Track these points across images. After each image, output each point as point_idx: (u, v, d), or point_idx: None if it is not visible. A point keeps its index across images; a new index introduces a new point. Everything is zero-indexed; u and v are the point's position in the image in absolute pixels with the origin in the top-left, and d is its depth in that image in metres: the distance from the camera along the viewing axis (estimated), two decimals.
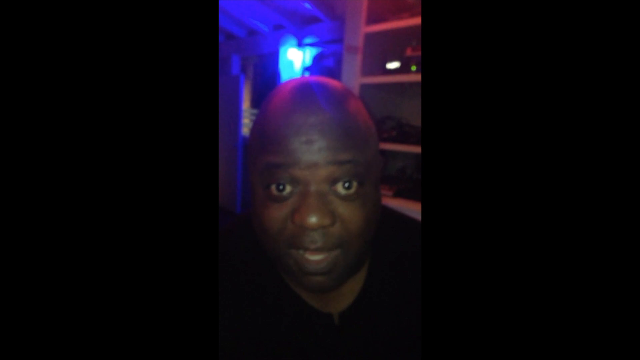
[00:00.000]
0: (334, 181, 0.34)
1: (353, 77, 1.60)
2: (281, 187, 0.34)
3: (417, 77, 1.44)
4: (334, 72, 2.78)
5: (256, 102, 4.22)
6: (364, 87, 1.59)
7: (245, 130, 3.88)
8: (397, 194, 1.50)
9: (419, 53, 1.46)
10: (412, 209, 1.39)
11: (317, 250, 0.35)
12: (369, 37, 1.55)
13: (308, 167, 0.33)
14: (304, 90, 0.36)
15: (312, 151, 0.33)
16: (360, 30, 1.55)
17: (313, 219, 0.33)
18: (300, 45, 3.03)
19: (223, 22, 3.35)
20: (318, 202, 0.33)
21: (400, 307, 0.45)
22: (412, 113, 1.70)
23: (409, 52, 1.49)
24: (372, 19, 1.54)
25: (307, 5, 2.61)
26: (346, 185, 0.34)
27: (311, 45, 2.97)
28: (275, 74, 3.27)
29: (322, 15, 2.72)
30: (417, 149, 1.45)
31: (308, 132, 0.33)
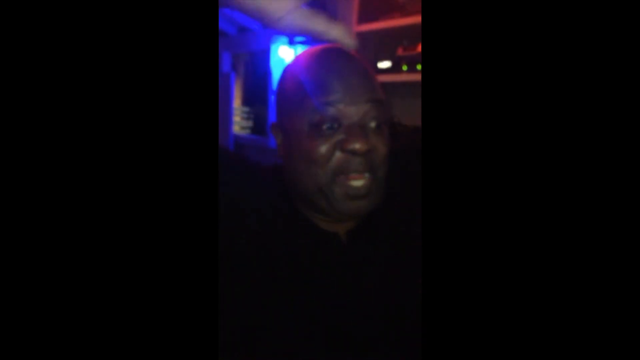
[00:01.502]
0: (369, 118, 0.44)
1: None
2: (329, 124, 0.43)
3: (409, 77, 1.45)
4: None
5: (247, 100, 4.19)
6: None
7: (236, 128, 3.86)
8: None
9: (411, 52, 1.46)
10: None
11: (359, 174, 0.43)
12: (361, 36, 1.55)
13: (354, 104, 0.43)
14: (334, 49, 0.45)
15: (356, 92, 0.43)
16: (351, 28, 1.55)
17: (360, 145, 0.41)
18: (291, 43, 3.02)
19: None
20: (362, 132, 0.43)
21: (400, 231, 0.52)
22: (403, 112, 1.71)
23: (400, 52, 1.50)
24: (364, 19, 1.54)
25: None
26: (375, 122, 0.44)
27: (302, 43, 2.96)
28: (266, 72, 3.25)
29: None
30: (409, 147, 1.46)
31: (350, 77, 0.43)
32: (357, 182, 0.44)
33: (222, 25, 3.44)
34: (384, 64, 1.54)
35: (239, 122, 3.97)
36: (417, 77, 1.43)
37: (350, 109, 0.43)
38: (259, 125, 3.92)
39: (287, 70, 0.49)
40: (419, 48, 1.45)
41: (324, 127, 0.43)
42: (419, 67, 1.42)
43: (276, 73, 3.15)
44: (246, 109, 4.14)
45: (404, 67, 1.47)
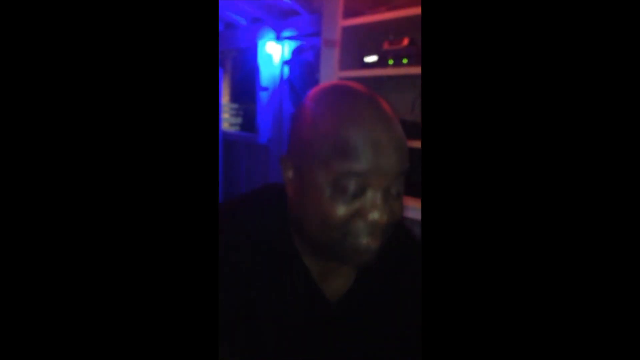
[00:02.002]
0: (393, 186, 0.42)
1: (331, 71, 1.60)
2: (356, 190, 0.40)
3: (395, 71, 1.46)
4: (313, 66, 2.77)
5: (235, 97, 4.16)
6: (342, 79, 1.59)
7: (225, 125, 3.84)
8: None
9: (396, 47, 1.47)
10: None
11: (373, 238, 0.42)
12: (347, 30, 1.56)
13: (384, 175, 0.40)
14: (374, 102, 0.42)
15: (390, 164, 0.40)
16: (337, 23, 1.55)
17: (382, 216, 0.41)
18: (278, 38, 3.00)
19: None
20: (385, 201, 0.41)
21: (390, 301, 0.52)
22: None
23: (386, 46, 1.50)
24: (349, 13, 1.54)
25: None
26: (397, 190, 0.43)
27: (289, 38, 2.95)
28: (254, 67, 3.23)
29: (300, 8, 2.70)
30: None
31: (387, 147, 0.40)
32: (375, 245, 0.43)
33: None
34: (370, 58, 1.54)
35: (227, 118, 3.95)
36: (403, 71, 1.43)
37: (380, 180, 0.40)
38: (247, 122, 3.90)
39: (312, 107, 0.44)
40: (405, 42, 1.45)
41: (349, 193, 0.40)
42: (405, 61, 1.43)
43: (264, 69, 3.14)
44: (235, 105, 4.11)
45: (390, 62, 1.47)
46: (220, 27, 3.50)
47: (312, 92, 0.46)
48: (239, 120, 4.06)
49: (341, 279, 0.52)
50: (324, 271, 0.50)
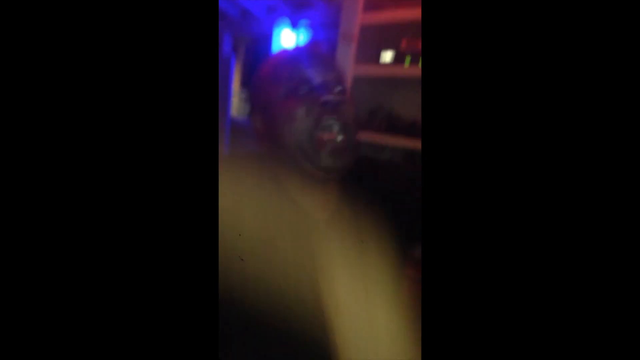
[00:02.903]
0: (334, 83, 0.53)
1: (346, 65, 1.59)
2: (304, 86, 0.51)
3: (411, 71, 1.44)
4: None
5: (247, 84, 4.14)
6: (357, 77, 1.58)
7: (235, 112, 3.82)
8: None
9: (414, 46, 1.45)
10: None
11: (333, 133, 0.51)
12: (365, 26, 1.54)
13: (321, 73, 0.53)
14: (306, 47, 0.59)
15: (325, 66, 0.54)
16: (356, 17, 1.54)
17: (332, 96, 0.50)
18: (294, 26, 2.98)
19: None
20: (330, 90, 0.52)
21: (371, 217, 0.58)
22: (403, 105, 1.71)
23: (403, 45, 1.48)
24: (369, 7, 1.52)
25: None
26: (340, 86, 0.54)
27: (305, 27, 2.92)
28: (267, 55, 3.21)
29: None
30: (405, 142, 1.46)
31: (318, 58, 0.55)
32: (338, 142, 0.51)
33: (224, 6, 3.38)
34: (387, 56, 1.53)
35: (237, 105, 3.94)
36: (418, 72, 1.42)
37: (317, 75, 0.52)
38: None
39: (261, 67, 0.59)
40: None
41: (299, 89, 0.51)
42: (421, 62, 1.42)
43: None
44: (245, 92, 4.09)
45: (407, 61, 1.46)
46: (236, 14, 3.47)
47: (264, 63, 0.60)
48: (248, 107, 4.04)
49: (329, 198, 0.58)
50: (312, 197, 0.56)
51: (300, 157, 0.52)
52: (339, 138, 0.51)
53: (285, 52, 0.58)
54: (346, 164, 0.52)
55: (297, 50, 0.57)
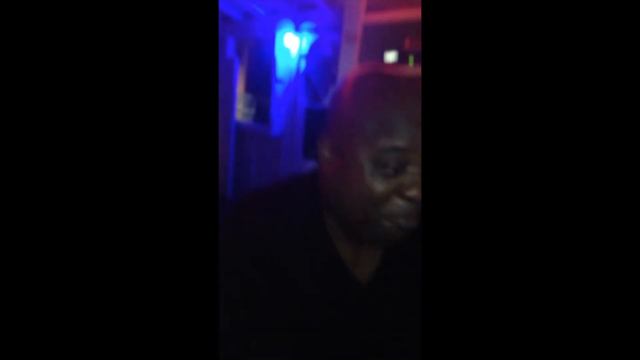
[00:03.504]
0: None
1: (350, 65, 1.58)
2: (397, 165, 0.42)
3: (414, 70, 1.44)
4: (331, 61, 2.75)
5: (250, 87, 4.16)
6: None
7: (239, 116, 3.84)
8: None
9: (417, 46, 1.45)
10: None
11: (412, 218, 0.45)
12: (368, 27, 1.54)
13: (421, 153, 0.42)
14: (413, 84, 0.44)
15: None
16: (358, 18, 1.53)
17: (419, 193, 0.42)
18: (297, 30, 2.98)
19: (219, 3, 3.28)
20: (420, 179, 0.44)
21: (412, 285, 0.54)
22: None
23: (407, 44, 1.48)
24: (371, 8, 1.52)
25: None
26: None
27: (308, 30, 2.93)
28: (271, 59, 3.22)
29: (320, 1, 2.68)
30: None
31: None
32: (407, 224, 0.45)
33: (227, 9, 3.40)
34: (390, 55, 1.52)
35: (241, 109, 3.96)
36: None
37: (417, 157, 0.42)
38: (261, 113, 3.90)
39: (354, 88, 0.46)
40: None
41: (389, 170, 0.42)
42: None
43: (281, 61, 3.12)
44: (249, 96, 4.11)
45: (411, 60, 1.45)
46: (239, 16, 3.49)
47: (352, 74, 0.48)
48: (252, 111, 4.06)
49: (371, 262, 0.54)
50: (356, 257, 0.53)
51: (359, 225, 0.46)
52: (412, 222, 0.45)
53: (381, 84, 0.44)
54: (405, 235, 0.46)
55: (394, 89, 0.44)
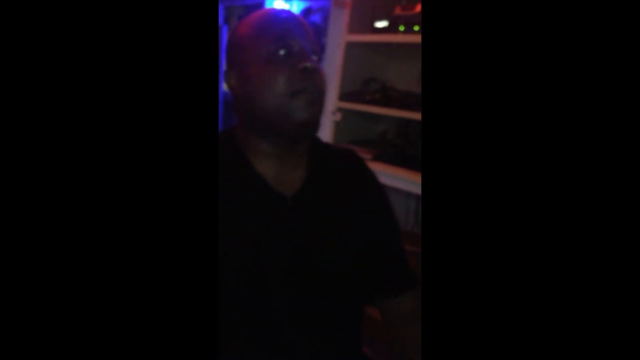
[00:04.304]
0: (310, 51, 0.56)
1: (339, 34, 1.54)
2: (283, 50, 0.54)
3: (405, 38, 1.41)
4: (321, 28, 2.68)
5: None
6: (350, 45, 1.54)
7: (226, 86, 3.76)
8: (377, 158, 1.50)
9: (409, 12, 1.41)
10: (391, 174, 1.40)
11: (310, 92, 0.54)
12: None
13: (299, 40, 0.55)
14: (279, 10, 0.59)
15: (301, 31, 0.56)
16: None
17: (309, 64, 0.53)
18: None
19: None
20: (309, 57, 0.55)
21: (338, 201, 0.61)
22: (397, 76, 1.67)
23: (397, 11, 1.44)
24: None
25: None
26: (315, 55, 0.57)
27: None
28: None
29: None
30: (399, 113, 1.44)
31: (296, 27, 0.56)
32: (315, 95, 0.54)
33: None
34: (380, 23, 1.48)
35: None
36: (414, 38, 1.38)
37: (296, 41, 0.54)
38: None
39: (240, 24, 0.59)
40: (418, 8, 1.39)
41: (280, 53, 0.53)
42: (416, 28, 1.37)
43: None
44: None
45: (401, 28, 1.42)
46: None
47: (237, 24, 0.61)
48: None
49: (295, 179, 0.60)
50: (279, 174, 0.58)
51: (275, 114, 0.54)
52: (318, 96, 0.55)
53: (266, 13, 0.59)
54: (318, 116, 0.56)
55: (278, 12, 0.58)
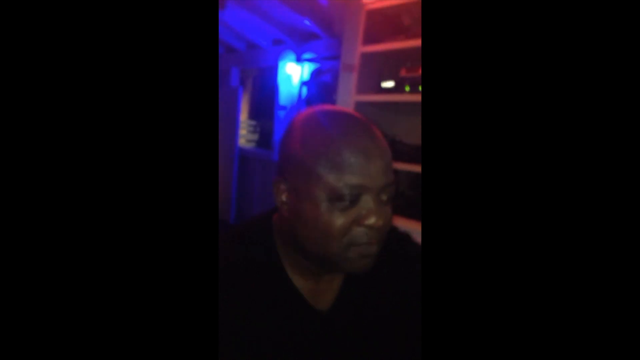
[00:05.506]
0: (383, 193, 0.46)
1: (348, 94, 1.63)
2: (351, 198, 0.44)
3: (411, 97, 1.48)
4: (331, 88, 2.82)
5: (254, 114, 4.25)
6: (359, 104, 1.63)
7: (242, 142, 3.91)
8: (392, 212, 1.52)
9: (413, 74, 1.50)
10: (405, 226, 1.41)
11: (372, 245, 0.46)
12: (365, 56, 1.60)
13: (374, 183, 0.44)
14: (358, 119, 0.47)
15: (378, 171, 0.45)
16: (356, 49, 1.59)
17: (379, 221, 0.45)
18: (298, 60, 3.08)
19: (224, 35, 3.39)
20: (379, 207, 0.46)
21: (377, 307, 0.56)
22: (405, 131, 1.74)
23: (403, 73, 1.53)
24: (369, 39, 1.58)
25: (306, 22, 2.66)
26: (387, 195, 0.47)
27: (309, 60, 3.02)
28: (273, 87, 3.31)
29: (320, 32, 2.77)
30: (410, 167, 1.48)
31: (374, 157, 0.44)
32: (371, 250, 0.47)
33: (232, 41, 3.52)
34: (387, 84, 1.57)
35: (245, 135, 4.03)
36: (419, 97, 1.46)
37: (371, 187, 0.44)
38: (264, 139, 3.97)
39: (301, 127, 0.48)
40: (422, 70, 1.48)
41: (344, 202, 0.44)
42: (421, 88, 1.46)
43: (283, 89, 3.20)
44: (252, 122, 4.19)
45: (407, 88, 1.50)
46: (243, 47, 3.61)
47: (299, 115, 0.50)
48: (255, 136, 4.12)
49: (330, 292, 0.55)
50: (314, 289, 0.54)
51: (324, 255, 0.47)
52: (375, 248, 0.47)
53: (344, 132, 0.45)
54: (370, 265, 0.48)
55: (358, 131, 0.45)
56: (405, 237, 0.65)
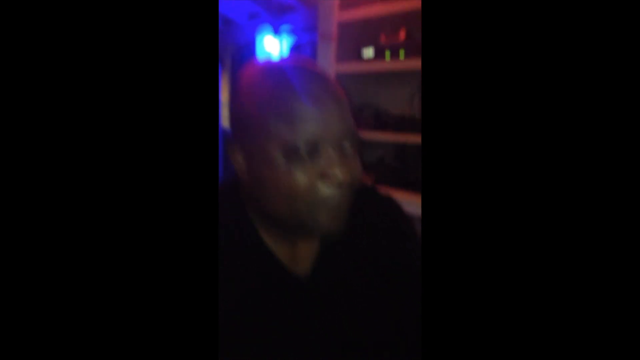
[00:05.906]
0: (344, 140, 0.42)
1: (328, 64, 1.59)
2: (309, 150, 0.40)
3: (392, 65, 1.44)
4: None
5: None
6: (340, 76, 1.58)
7: (225, 122, 3.83)
8: (376, 182, 1.51)
9: (393, 40, 1.45)
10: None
11: (344, 199, 0.43)
12: (343, 24, 1.54)
13: (332, 133, 0.41)
14: (308, 68, 0.43)
15: (337, 120, 0.41)
16: (333, 17, 1.54)
17: (343, 175, 0.41)
18: (276, 32, 2.99)
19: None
20: (342, 159, 0.42)
21: (358, 272, 0.52)
22: (389, 101, 1.70)
23: (383, 40, 1.49)
24: (346, 6, 1.53)
25: None
26: (350, 142, 0.43)
27: (287, 32, 2.93)
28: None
29: (296, 3, 2.68)
30: (395, 137, 1.46)
31: (328, 105, 0.40)
32: (341, 207, 0.43)
33: None
34: (367, 51, 1.52)
35: (226, 114, 3.95)
36: (400, 64, 1.42)
37: (329, 136, 0.41)
38: None
39: (251, 82, 0.44)
40: (402, 35, 1.44)
41: (302, 157, 0.40)
42: (402, 54, 1.41)
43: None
44: None
45: (387, 55, 1.46)
46: (219, 24, 3.49)
47: (243, 71, 0.46)
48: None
49: (309, 258, 0.51)
50: (291, 254, 0.50)
51: (292, 221, 0.43)
52: (344, 206, 0.43)
53: (285, 78, 0.42)
54: (343, 224, 0.44)
55: (301, 76, 0.42)
56: (387, 199, 0.61)
